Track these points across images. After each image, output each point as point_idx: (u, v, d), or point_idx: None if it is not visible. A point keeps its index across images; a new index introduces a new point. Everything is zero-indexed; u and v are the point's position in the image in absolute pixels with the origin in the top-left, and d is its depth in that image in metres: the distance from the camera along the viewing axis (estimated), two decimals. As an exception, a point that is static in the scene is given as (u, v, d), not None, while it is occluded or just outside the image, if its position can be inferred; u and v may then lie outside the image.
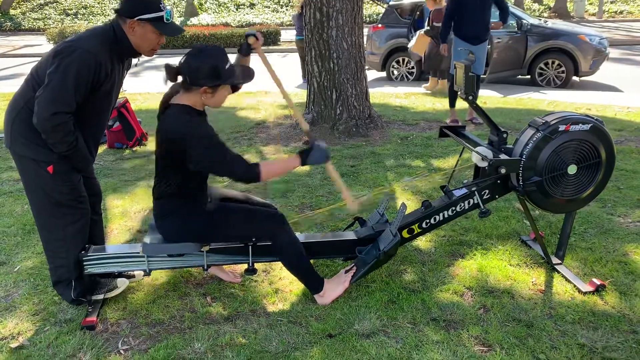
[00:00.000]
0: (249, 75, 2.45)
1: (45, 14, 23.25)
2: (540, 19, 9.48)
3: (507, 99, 7.76)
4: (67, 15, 23.14)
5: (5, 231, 3.50)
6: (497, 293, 2.72)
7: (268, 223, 2.54)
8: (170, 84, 2.38)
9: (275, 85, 2.79)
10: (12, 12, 23.68)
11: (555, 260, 2.94)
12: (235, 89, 2.65)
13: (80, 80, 2.22)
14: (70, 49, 2.22)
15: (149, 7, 2.32)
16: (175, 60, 2.37)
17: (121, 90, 2.61)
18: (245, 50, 2.64)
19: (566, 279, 2.80)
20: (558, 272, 2.87)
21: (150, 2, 2.33)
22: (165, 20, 2.34)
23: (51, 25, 20.65)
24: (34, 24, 21.79)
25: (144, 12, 2.30)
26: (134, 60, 2.58)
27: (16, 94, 2.39)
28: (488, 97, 7.80)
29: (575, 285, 2.73)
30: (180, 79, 2.33)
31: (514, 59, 8.75)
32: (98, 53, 2.26)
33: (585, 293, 2.67)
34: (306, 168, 4.68)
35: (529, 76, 8.99)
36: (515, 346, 2.32)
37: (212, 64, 2.27)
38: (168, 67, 2.32)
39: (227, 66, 2.31)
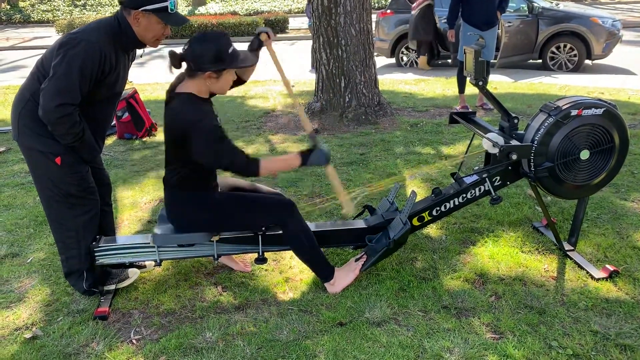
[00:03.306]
0: (252, 59, 2.44)
1: (54, 6, 23.30)
2: (551, 2, 9.33)
3: (518, 84, 7.67)
4: (76, 6, 23.17)
5: (18, 223, 3.53)
6: (508, 280, 2.70)
7: (278, 211, 2.53)
8: (175, 71, 2.37)
9: (283, 83, 2.79)
10: (21, 4, 23.76)
11: (567, 246, 2.91)
12: (241, 81, 2.64)
13: (85, 71, 2.21)
14: (75, 41, 2.22)
15: None
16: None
17: (127, 81, 2.60)
18: (256, 46, 2.61)
19: (579, 266, 2.77)
20: (570, 258, 2.85)
21: None
22: (169, 11, 2.33)
23: (60, 17, 20.70)
24: (43, 15, 21.84)
25: (149, 2, 2.29)
26: (139, 52, 2.57)
27: (22, 87, 2.39)
28: (499, 82, 7.72)
29: (588, 272, 2.70)
30: (184, 65, 2.32)
31: (525, 43, 8.64)
32: (102, 45, 2.25)
33: (598, 279, 2.64)
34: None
35: (540, 60, 8.87)
36: (527, 333, 2.30)
37: (215, 49, 2.26)
38: (172, 54, 2.30)
39: (230, 50, 2.30)
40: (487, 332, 2.33)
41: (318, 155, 2.46)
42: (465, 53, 2.71)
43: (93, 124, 2.42)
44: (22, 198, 3.93)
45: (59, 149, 2.36)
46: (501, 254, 2.92)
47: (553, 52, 8.75)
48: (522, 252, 2.95)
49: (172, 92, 2.40)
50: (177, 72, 2.40)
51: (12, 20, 21.57)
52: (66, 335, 2.39)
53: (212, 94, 2.45)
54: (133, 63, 2.66)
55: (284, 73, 2.70)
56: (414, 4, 8.99)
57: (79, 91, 2.23)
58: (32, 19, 21.67)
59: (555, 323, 2.36)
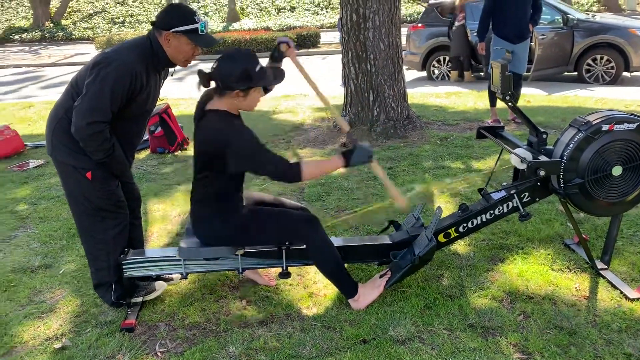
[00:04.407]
0: (280, 76, 2.46)
1: (94, 24, 24.07)
2: (588, 14, 9.16)
3: (552, 97, 7.53)
4: (115, 24, 23.90)
5: (52, 235, 3.63)
6: (538, 299, 2.63)
7: (302, 226, 2.54)
8: (203, 89, 2.42)
9: (312, 90, 2.79)
10: (63, 22, 24.63)
11: (600, 265, 2.82)
12: (267, 90, 2.67)
13: (116, 90, 2.28)
14: (108, 60, 2.29)
15: (183, 19, 2.36)
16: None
17: (159, 98, 2.66)
18: (276, 57, 2.65)
19: (612, 285, 2.68)
20: (603, 277, 2.76)
21: (185, 14, 2.38)
22: (199, 32, 2.38)
23: (99, 34, 21.37)
24: (84, 33, 22.58)
25: (179, 24, 2.35)
26: (170, 70, 2.63)
27: (57, 103, 2.48)
28: (532, 95, 7.59)
29: (622, 292, 2.61)
30: (213, 84, 2.37)
31: (559, 56, 8.48)
32: (134, 64, 2.32)
33: (632, 300, 2.55)
34: (343, 170, 4.66)
35: (575, 73, 8.69)
36: (557, 355, 2.23)
37: (242, 68, 2.30)
38: (201, 73, 2.35)
39: (257, 68, 2.33)
40: (515, 352, 2.27)
41: (360, 153, 2.45)
42: (491, 67, 2.68)
43: (123, 141, 2.49)
44: (57, 210, 4.05)
45: (90, 164, 2.42)
46: (531, 272, 2.85)
47: (589, 65, 8.56)
48: (552, 270, 2.87)
49: (202, 109, 2.44)
50: (204, 89, 2.45)
51: (54, 37, 22.37)
52: (94, 346, 2.44)
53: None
54: (170, 78, 2.73)
55: (309, 77, 2.71)
56: (459, 16, 8.99)
57: (110, 109, 2.30)
58: (74, 37, 22.43)
59: (586, 345, 2.29)
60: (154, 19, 2.45)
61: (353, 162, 2.46)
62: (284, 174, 2.37)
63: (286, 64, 2.73)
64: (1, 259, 3.31)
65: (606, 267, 2.81)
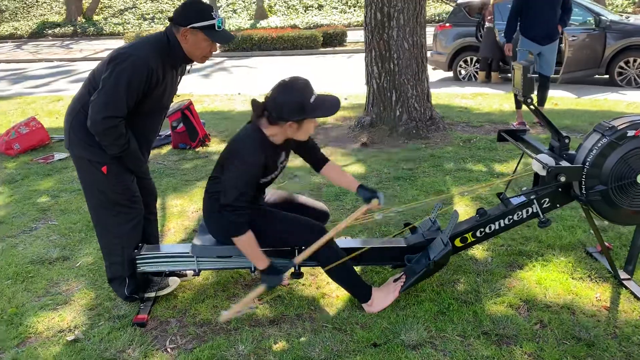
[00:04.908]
0: (333, 107, 2.39)
1: (125, 19, 24.43)
2: (621, 15, 8.91)
3: (580, 100, 7.35)
4: (145, 19, 24.22)
5: (71, 227, 3.68)
6: (556, 308, 2.55)
7: (309, 234, 2.50)
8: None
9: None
10: (94, 17, 25.07)
11: (623, 275, 2.73)
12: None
13: (132, 86, 2.29)
14: (124, 55, 2.30)
15: (201, 15, 2.35)
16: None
17: (181, 94, 2.67)
18: (367, 198, 2.54)
19: (635, 296, 2.60)
20: (626, 288, 2.67)
21: (202, 10, 2.37)
22: (217, 28, 2.37)
23: (130, 30, 21.69)
24: (115, 28, 22.93)
25: (196, 20, 2.34)
26: (187, 67, 2.63)
27: (74, 97, 2.50)
28: (560, 98, 7.42)
29: (644, 304, 2.52)
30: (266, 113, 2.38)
31: (590, 58, 8.27)
32: (150, 60, 2.32)
33: (655, 312, 2.46)
34: (362, 170, 4.63)
35: (607, 76, 8.47)
36: (573, 366, 2.17)
37: (297, 100, 2.29)
38: (255, 104, 2.39)
39: (312, 100, 2.32)
40: (529, 362, 2.21)
41: (271, 281, 2.45)
42: (513, 69, 2.61)
43: (139, 136, 2.50)
44: (77, 203, 4.10)
45: (105, 158, 2.44)
46: (550, 280, 2.78)
47: (621, 67, 8.33)
48: (572, 278, 2.79)
49: (252, 118, 2.46)
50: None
51: (86, 32, 22.78)
52: (105, 339, 2.46)
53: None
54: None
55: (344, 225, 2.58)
56: (489, 17, 8.84)
57: (125, 105, 2.31)
58: (105, 32, 22.81)
59: (604, 357, 2.21)
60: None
61: (263, 279, 2.46)
62: (232, 222, 2.35)
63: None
64: (21, 250, 3.37)
65: (629, 277, 2.72)
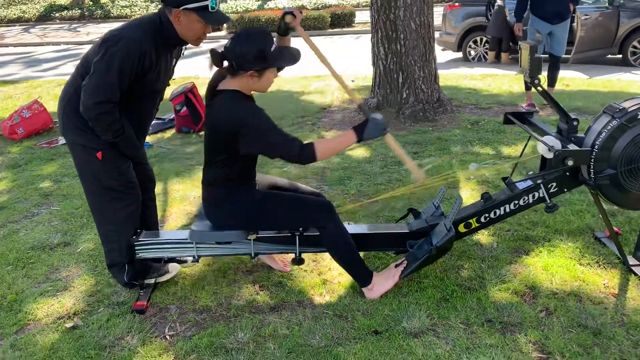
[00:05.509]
0: (295, 56, 2.35)
1: (132, 2, 24.25)
2: (635, -8, 8.67)
3: (592, 81, 7.19)
4: (152, 2, 24.03)
5: (73, 212, 3.66)
6: (562, 295, 2.50)
7: (316, 213, 2.46)
8: (215, 69, 2.34)
9: (324, 66, 2.62)
10: (102, 0, 24.94)
11: (632, 261, 2.66)
12: (279, 69, 2.57)
13: (124, 69, 2.23)
14: (116, 38, 2.24)
15: None
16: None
17: (172, 77, 2.60)
18: (283, 31, 2.50)
19: (644, 283, 2.53)
20: (635, 274, 2.60)
21: None
22: (210, 9, 2.30)
23: (137, 12, 21.55)
24: (122, 11, 22.78)
25: (189, 1, 2.27)
26: (184, 49, 2.56)
27: (67, 82, 2.45)
28: (571, 79, 7.26)
29: (654, 291, 2.46)
30: (226, 64, 2.29)
31: (603, 37, 8.07)
32: (143, 42, 2.26)
33: (665, 300, 2.39)
34: (367, 154, 4.56)
35: (620, 56, 8.28)
36: (578, 355, 2.11)
37: (258, 48, 2.22)
38: (213, 52, 2.28)
39: (273, 48, 2.25)
40: (533, 351, 2.16)
41: (373, 127, 2.33)
42: (520, 49, 2.52)
43: (134, 121, 2.45)
44: (79, 188, 4.06)
45: (100, 144, 2.39)
46: (556, 266, 2.71)
47: (635, 47, 8.14)
48: (580, 264, 2.73)
49: (213, 89, 2.37)
50: (216, 69, 2.37)
51: (93, 15, 22.68)
52: (104, 326, 2.44)
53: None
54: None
55: (319, 51, 2.53)
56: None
57: (118, 89, 2.25)
58: (112, 15, 22.69)
59: (611, 346, 2.16)
60: None
61: (366, 135, 2.34)
62: (298, 156, 2.28)
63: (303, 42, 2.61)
64: (23, 236, 3.36)
65: (639, 263, 2.65)
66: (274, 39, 2.30)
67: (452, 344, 2.22)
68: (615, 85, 6.85)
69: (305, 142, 2.29)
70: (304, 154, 2.28)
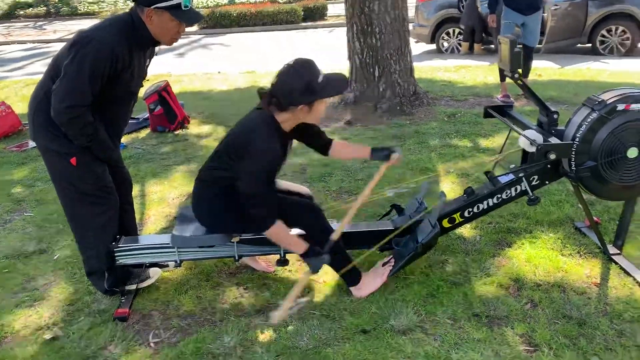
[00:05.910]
0: (343, 85, 2.32)
1: (99, -2, 23.74)
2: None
3: (564, 70, 7.30)
4: (120, -2, 23.55)
5: (48, 218, 3.55)
6: (546, 286, 2.52)
7: (303, 214, 2.44)
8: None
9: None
10: (68, -3, 24.33)
11: (613, 250, 2.70)
12: None
13: (96, 71, 2.15)
14: (86, 39, 2.16)
15: None
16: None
17: (146, 78, 2.53)
18: (384, 157, 2.59)
19: (625, 272, 2.57)
20: (616, 263, 2.64)
21: None
22: (183, 8, 2.23)
23: (104, 9, 21.09)
24: (89, 8, 22.26)
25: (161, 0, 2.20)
26: (156, 49, 2.49)
27: (37, 85, 2.36)
28: (544, 69, 7.36)
29: (635, 279, 2.50)
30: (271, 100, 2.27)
31: (572, 27, 8.21)
32: (114, 43, 2.18)
33: (646, 288, 2.43)
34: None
35: (589, 45, 8.42)
36: (565, 346, 2.13)
37: (305, 82, 2.19)
38: (261, 93, 2.29)
39: (320, 79, 2.22)
40: (521, 344, 2.18)
41: (316, 263, 2.36)
42: (500, 43, 2.52)
43: (108, 124, 2.37)
44: (53, 193, 3.88)
45: (74, 148, 2.31)
46: (539, 257, 2.74)
47: (603, 36, 8.30)
48: (562, 255, 2.76)
49: (262, 106, 2.33)
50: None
51: (60, 12, 22.11)
52: (85, 336, 2.37)
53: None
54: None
55: (370, 190, 2.53)
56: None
57: (89, 92, 2.17)
58: (79, 12, 22.14)
59: (596, 336, 2.19)
60: None
61: (308, 261, 2.38)
62: (259, 214, 2.27)
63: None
64: (-5, 244, 3.25)
65: (619, 252, 2.69)
66: (319, 69, 2.27)
67: (440, 340, 2.22)
68: (586, 74, 6.97)
69: (274, 218, 2.28)
70: (265, 220, 2.27)
